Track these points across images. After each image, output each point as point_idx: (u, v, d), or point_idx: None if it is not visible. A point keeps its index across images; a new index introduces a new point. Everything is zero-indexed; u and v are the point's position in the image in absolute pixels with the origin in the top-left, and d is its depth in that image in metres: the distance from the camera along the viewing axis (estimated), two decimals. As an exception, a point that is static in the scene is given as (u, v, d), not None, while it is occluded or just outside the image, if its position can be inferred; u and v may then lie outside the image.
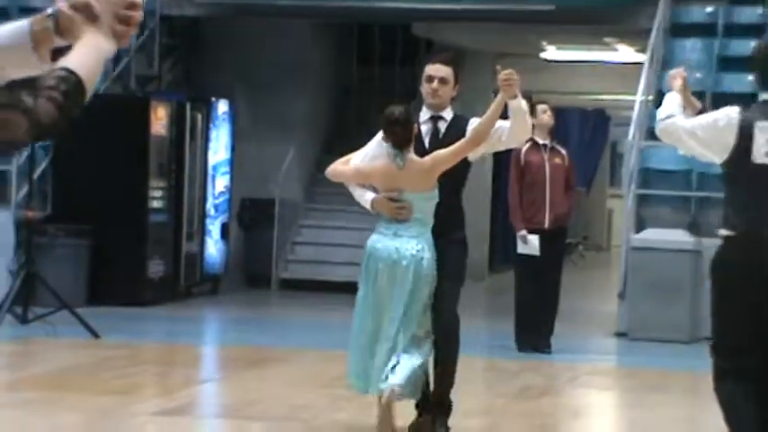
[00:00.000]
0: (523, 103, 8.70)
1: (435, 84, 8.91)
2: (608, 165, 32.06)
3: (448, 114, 9.03)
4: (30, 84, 2.87)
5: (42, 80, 2.90)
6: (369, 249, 8.71)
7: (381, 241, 8.62)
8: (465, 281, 9.33)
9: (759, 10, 19.36)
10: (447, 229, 8.79)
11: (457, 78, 9.12)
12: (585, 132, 29.61)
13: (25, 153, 16.08)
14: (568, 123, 27.10)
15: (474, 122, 8.71)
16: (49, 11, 3.25)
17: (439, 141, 8.73)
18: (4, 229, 16.45)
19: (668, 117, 7.51)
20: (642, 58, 18.49)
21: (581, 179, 23.48)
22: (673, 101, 7.66)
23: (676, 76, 7.85)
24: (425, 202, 8.56)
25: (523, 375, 12.47)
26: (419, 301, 8.60)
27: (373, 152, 8.84)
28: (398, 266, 8.50)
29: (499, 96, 8.61)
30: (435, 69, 8.96)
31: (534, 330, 13.85)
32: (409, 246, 8.42)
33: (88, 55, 3.05)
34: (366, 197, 8.85)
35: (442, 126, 8.97)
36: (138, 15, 3.22)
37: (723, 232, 7.22)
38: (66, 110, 2.90)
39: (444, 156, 8.45)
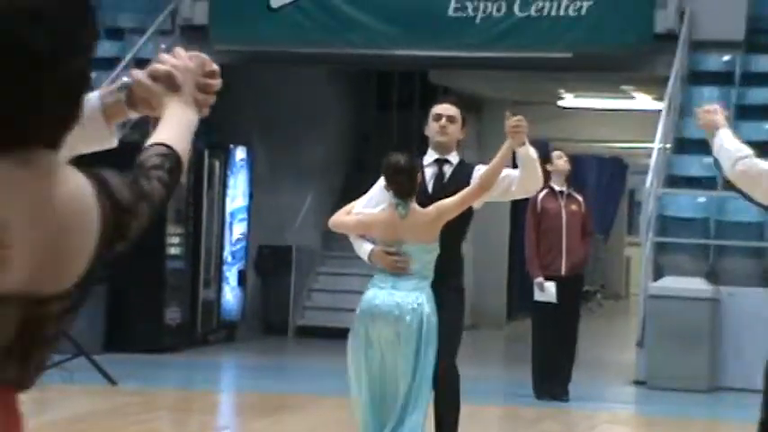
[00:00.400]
0: (532, 151, 8.40)
1: (444, 121, 8.68)
2: (626, 213, 32.06)
3: (454, 158, 8.78)
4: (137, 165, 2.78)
5: (146, 160, 2.80)
6: (366, 305, 8.30)
7: (379, 296, 8.22)
8: (463, 330, 8.97)
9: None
10: (445, 278, 8.45)
11: (464, 122, 8.91)
12: (603, 180, 29.63)
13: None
14: (585, 171, 27.10)
15: (480, 169, 8.39)
16: (121, 82, 3.13)
17: (443, 186, 8.49)
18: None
19: (746, 157, 7.17)
20: (660, 105, 18.50)
21: (598, 227, 23.50)
22: (734, 139, 7.36)
23: (717, 111, 7.56)
24: (427, 254, 8.23)
25: (541, 424, 12.46)
26: (428, 365, 8.22)
27: (377, 199, 8.52)
28: (401, 323, 8.12)
29: (507, 143, 8.28)
30: (444, 108, 8.78)
31: (552, 378, 13.83)
32: (410, 299, 8.07)
33: (180, 127, 2.93)
34: (364, 248, 8.51)
35: (448, 170, 8.72)
36: (218, 83, 3.09)
37: None
38: (171, 189, 2.82)
39: (449, 205, 8.14)
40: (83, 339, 14.41)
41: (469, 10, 19.59)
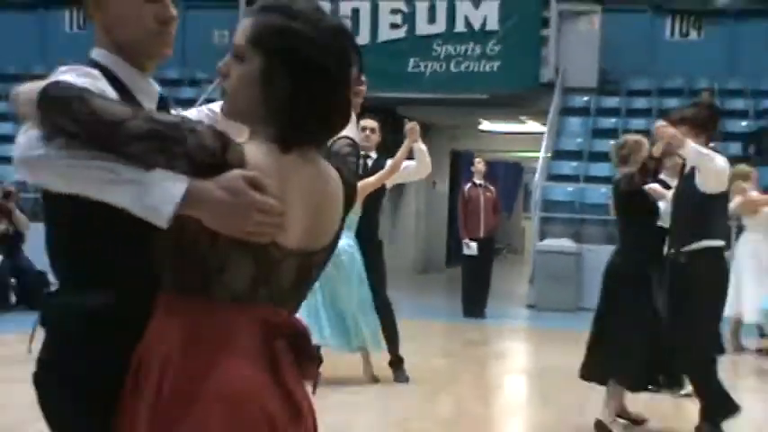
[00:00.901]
0: (423, 146, 8.35)
1: (367, 132, 8.68)
2: (522, 198, 32.07)
3: (374, 155, 8.74)
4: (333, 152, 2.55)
5: (340, 149, 2.59)
6: None
7: None
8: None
9: (617, 99, 19.46)
10: (369, 233, 8.43)
11: (381, 128, 8.91)
12: (507, 176, 29.60)
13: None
14: (496, 171, 27.05)
15: (389, 162, 8.28)
16: None
17: (366, 173, 8.18)
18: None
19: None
20: (543, 129, 18.54)
21: (505, 207, 23.51)
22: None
23: (668, 126, 6.38)
24: (354, 215, 7.97)
25: (467, 334, 12.48)
26: (365, 286, 8.22)
27: None
28: (338, 259, 7.91)
29: (406, 142, 8.16)
30: (367, 123, 8.72)
31: (474, 303, 13.89)
32: (343, 243, 7.64)
33: (353, 125, 2.66)
34: None
35: (370, 162, 8.61)
36: (364, 89, 2.83)
37: None
38: (356, 175, 2.60)
39: (369, 182, 7.95)
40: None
41: (421, 67, 19.62)
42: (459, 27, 19.49)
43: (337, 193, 2.39)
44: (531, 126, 22.32)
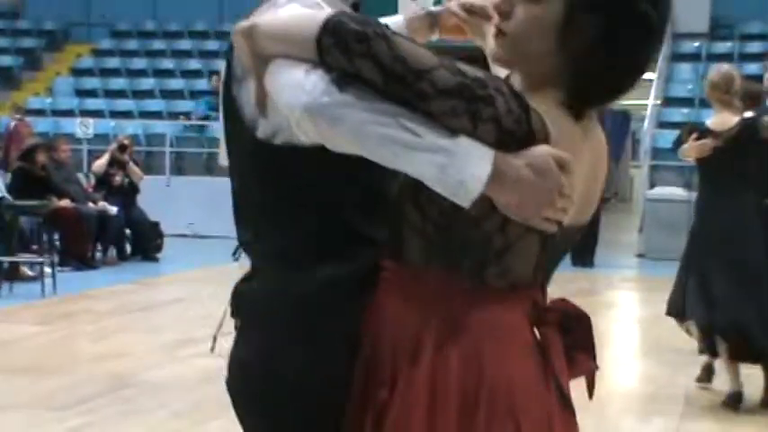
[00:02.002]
0: None
1: None
2: (630, 146, 31.57)
3: None
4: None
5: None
6: None
7: None
8: None
9: (729, 44, 18.96)
10: None
11: None
12: (615, 125, 29.14)
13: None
14: (605, 119, 26.72)
15: None
16: (427, 10, 2.39)
17: None
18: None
19: None
20: (652, 76, 18.20)
21: (613, 155, 23.18)
22: None
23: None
24: None
25: (577, 281, 12.37)
26: None
27: None
28: None
29: None
30: None
31: (583, 252, 13.74)
32: None
33: None
34: None
35: None
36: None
37: None
38: None
39: None
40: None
41: None
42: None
43: (604, 163, 2.02)
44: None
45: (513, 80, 1.94)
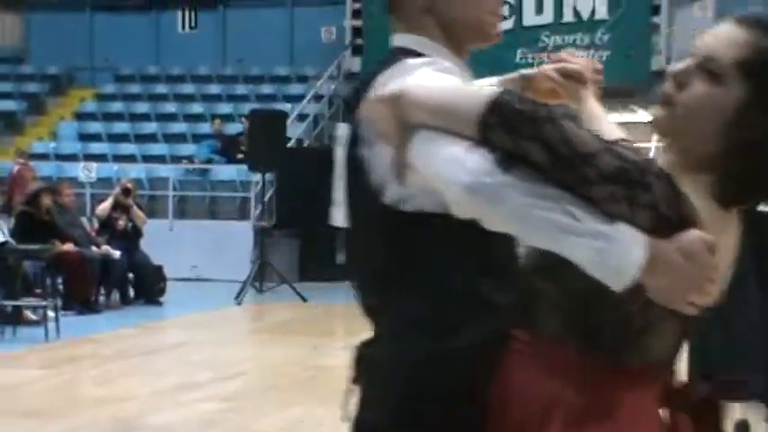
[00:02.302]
0: None
1: None
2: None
3: None
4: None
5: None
6: None
7: None
8: None
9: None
10: None
11: None
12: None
13: (259, 184, 16.31)
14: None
15: None
16: (521, 72, 2.44)
17: None
18: (248, 233, 16.70)
19: None
20: (654, 117, 18.29)
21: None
22: None
23: None
24: None
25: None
26: None
27: None
28: None
29: None
30: None
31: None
32: None
33: (610, 124, 2.19)
34: None
35: None
36: (602, 78, 2.35)
37: None
38: None
39: None
40: (285, 273, 14.58)
41: (529, 59, 19.46)
42: (568, 17, 19.28)
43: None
44: (642, 116, 21.94)
45: (662, 152, 1.93)
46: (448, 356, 1.94)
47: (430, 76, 1.91)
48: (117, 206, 13.78)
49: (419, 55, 2.04)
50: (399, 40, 2.13)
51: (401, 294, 2.00)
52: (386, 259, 2.02)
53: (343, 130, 2.13)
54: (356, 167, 2.03)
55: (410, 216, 1.96)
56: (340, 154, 2.14)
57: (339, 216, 2.22)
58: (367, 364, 2.08)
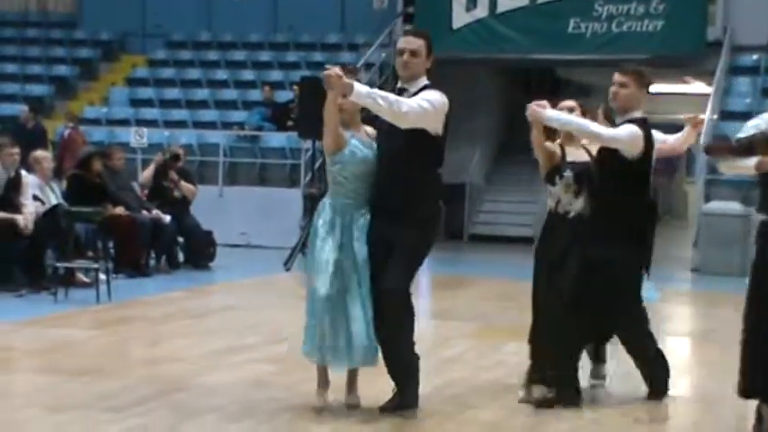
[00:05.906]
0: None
1: (406, 56, 6.14)
2: (685, 161, 31.35)
3: (414, 87, 6.22)
4: None
5: None
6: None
7: None
8: None
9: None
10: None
11: (429, 51, 6.29)
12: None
13: (309, 152, 16.37)
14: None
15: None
16: None
17: None
18: (297, 200, 16.80)
19: None
20: (709, 90, 18.09)
21: (668, 173, 23.04)
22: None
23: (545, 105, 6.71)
24: None
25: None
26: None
27: None
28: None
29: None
30: (406, 42, 6.21)
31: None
32: None
33: None
34: None
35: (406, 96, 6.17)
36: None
37: None
38: None
39: None
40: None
41: (582, 28, 19.33)
42: (622, -15, 19.16)
43: None
44: (697, 87, 21.73)
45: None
46: None
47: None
48: (162, 172, 13.76)
49: None
50: None
51: None
52: None
53: None
54: None
55: None
56: None
57: None
58: None
